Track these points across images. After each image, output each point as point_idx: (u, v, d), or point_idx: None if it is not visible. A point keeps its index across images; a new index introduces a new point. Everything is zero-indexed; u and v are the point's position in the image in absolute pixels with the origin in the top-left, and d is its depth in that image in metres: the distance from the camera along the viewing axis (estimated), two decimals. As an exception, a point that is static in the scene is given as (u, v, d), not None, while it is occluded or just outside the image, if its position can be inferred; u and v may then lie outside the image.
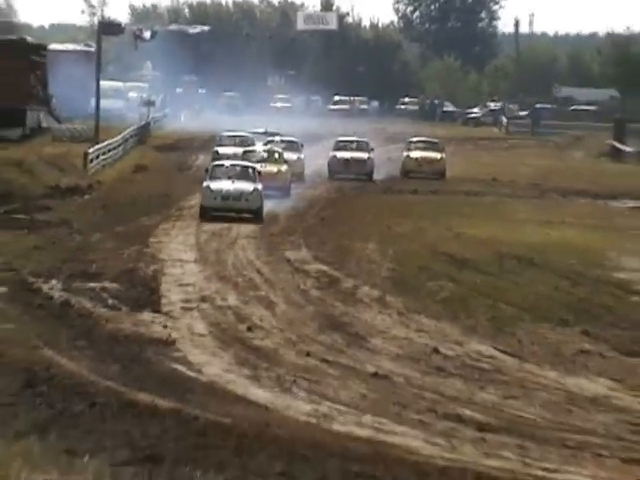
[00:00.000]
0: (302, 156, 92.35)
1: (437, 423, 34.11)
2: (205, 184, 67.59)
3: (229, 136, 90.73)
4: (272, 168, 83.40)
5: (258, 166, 79.51)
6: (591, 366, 42.14)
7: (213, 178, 72.67)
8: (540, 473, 29.52)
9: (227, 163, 77.45)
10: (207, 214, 64.24)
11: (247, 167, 77.10)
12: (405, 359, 41.29)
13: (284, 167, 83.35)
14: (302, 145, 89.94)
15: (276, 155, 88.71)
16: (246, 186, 69.45)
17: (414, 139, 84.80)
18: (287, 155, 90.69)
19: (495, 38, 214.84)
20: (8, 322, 42.48)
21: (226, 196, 68.34)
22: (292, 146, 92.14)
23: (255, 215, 65.42)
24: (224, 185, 67.77)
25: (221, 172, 73.27)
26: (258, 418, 33.50)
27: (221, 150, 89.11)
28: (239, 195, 68.03)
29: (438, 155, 77.58)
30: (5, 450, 25.89)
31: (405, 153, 78.68)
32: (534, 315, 49.13)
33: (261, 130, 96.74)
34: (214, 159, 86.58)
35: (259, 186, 70.28)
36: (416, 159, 75.76)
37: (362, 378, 38.36)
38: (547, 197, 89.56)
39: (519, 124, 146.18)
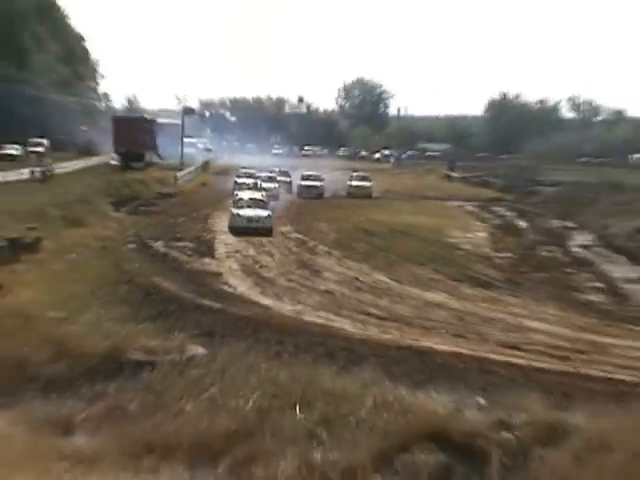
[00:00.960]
0: (291, 178, 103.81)
1: (357, 316, 40.26)
2: (234, 211, 71.15)
3: (243, 172, 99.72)
4: (270, 185, 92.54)
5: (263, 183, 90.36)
6: (437, 287, 48.78)
7: (238, 207, 74.15)
8: (410, 342, 35.21)
9: (245, 197, 78.03)
10: (235, 232, 65.54)
11: (261, 200, 77.40)
12: (341, 283, 48.56)
13: (276, 185, 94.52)
14: (290, 173, 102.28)
15: (273, 178, 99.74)
16: (262, 212, 72.20)
17: (354, 173, 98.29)
18: (282, 178, 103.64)
19: (387, 116, 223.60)
20: (135, 262, 50.52)
21: (250, 219, 70.11)
22: (285, 173, 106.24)
23: (268, 232, 66.56)
24: (247, 212, 70.89)
25: (242, 203, 74.59)
26: (264, 313, 40.16)
27: (239, 180, 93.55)
28: (258, 219, 70.39)
29: (368, 183, 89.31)
30: (135, 328, 33.45)
31: (348, 182, 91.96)
32: (408, 260, 56.73)
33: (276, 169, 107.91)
34: (235, 185, 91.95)
35: (271, 212, 72.38)
36: (355, 186, 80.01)
37: (318, 293, 45.63)
38: (414, 200, 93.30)
39: (401, 161, 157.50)
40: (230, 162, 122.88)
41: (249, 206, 72.95)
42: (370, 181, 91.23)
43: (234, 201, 76.24)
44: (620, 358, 33.42)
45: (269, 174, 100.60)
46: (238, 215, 69.09)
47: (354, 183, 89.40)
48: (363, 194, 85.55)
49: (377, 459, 22.60)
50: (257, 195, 77.20)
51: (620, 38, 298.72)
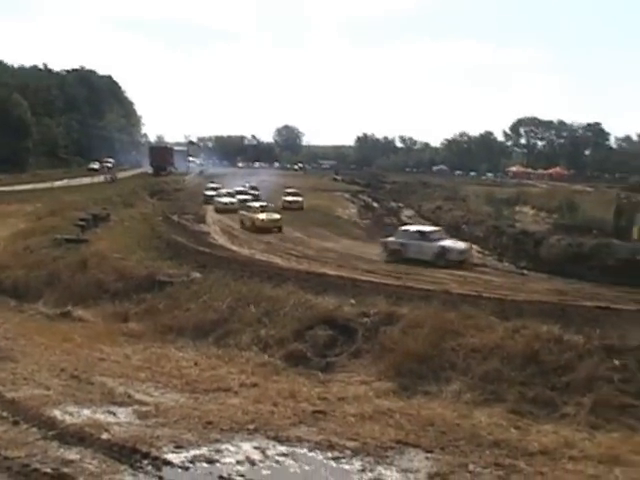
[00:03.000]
0: (259, 192, 78.59)
1: (284, 256, 40.23)
2: (217, 199, 67.24)
3: (211, 186, 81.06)
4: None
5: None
6: (329, 239, 48.30)
7: (219, 196, 69.71)
8: (314, 270, 35.18)
9: (223, 191, 73.20)
10: (218, 211, 61.71)
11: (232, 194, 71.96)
12: (275, 237, 47.79)
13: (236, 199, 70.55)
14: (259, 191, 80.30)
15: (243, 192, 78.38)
16: (233, 199, 66.70)
17: (287, 190, 75.68)
18: (253, 191, 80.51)
19: (301, 145, 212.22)
20: (162, 227, 49.76)
21: (226, 203, 65.19)
22: (255, 187, 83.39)
23: (235, 210, 59.75)
24: (226, 199, 66.54)
25: (220, 195, 69.89)
26: (233, 254, 39.93)
27: (207, 192, 77.09)
28: (232, 203, 64.57)
29: (300, 198, 67.70)
30: (161, 263, 33.49)
31: (283, 197, 70.42)
32: (313, 224, 54.78)
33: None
34: (205, 195, 77.11)
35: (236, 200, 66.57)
36: (289, 201, 67.55)
37: (263, 243, 45.12)
38: (316, 191, 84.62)
39: (307, 171, 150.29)
40: (214, 171, 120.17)
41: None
42: (301, 196, 72.52)
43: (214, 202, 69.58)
44: (427, 277, 33.83)
45: (241, 189, 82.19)
46: (220, 202, 66.12)
47: (288, 198, 70.63)
48: (296, 207, 67.12)
49: (295, 334, 23.50)
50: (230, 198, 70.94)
51: (433, 93, 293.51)
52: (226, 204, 65.96)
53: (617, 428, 17.28)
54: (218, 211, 64.27)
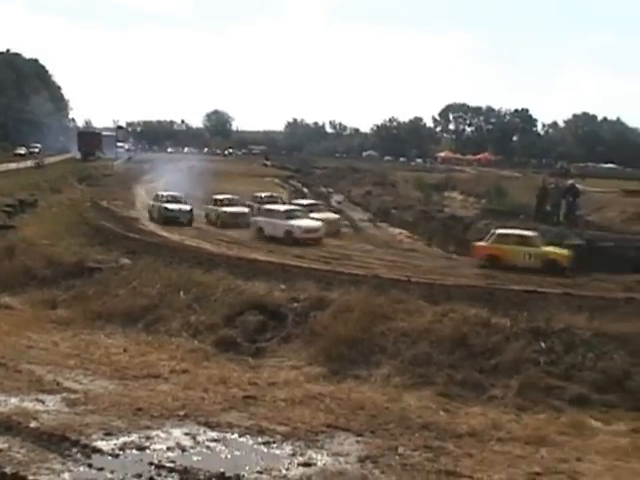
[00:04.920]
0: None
1: (214, 241, 39.33)
2: (163, 206, 47.45)
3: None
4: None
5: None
6: None
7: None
8: (244, 255, 34.40)
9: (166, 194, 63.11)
10: (163, 221, 45.15)
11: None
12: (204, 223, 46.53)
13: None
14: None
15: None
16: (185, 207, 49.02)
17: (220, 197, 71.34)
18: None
19: (231, 130, 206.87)
20: (90, 213, 47.95)
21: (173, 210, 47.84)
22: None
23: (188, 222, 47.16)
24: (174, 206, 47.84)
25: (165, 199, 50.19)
26: (163, 240, 39.09)
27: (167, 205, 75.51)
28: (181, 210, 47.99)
29: (246, 210, 60.89)
30: (90, 249, 33.33)
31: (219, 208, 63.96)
32: None
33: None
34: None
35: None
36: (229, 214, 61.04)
37: (193, 228, 44.28)
38: (245, 177, 77.67)
39: (236, 156, 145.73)
40: (142, 157, 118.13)
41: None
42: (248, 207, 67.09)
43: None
44: (358, 262, 33.69)
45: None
46: (166, 209, 49.32)
47: (228, 210, 57.97)
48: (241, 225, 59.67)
49: (225, 319, 23.63)
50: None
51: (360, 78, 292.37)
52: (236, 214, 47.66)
53: (543, 409, 17.74)
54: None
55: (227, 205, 47.19)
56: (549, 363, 19.31)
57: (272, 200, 48.53)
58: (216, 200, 48.02)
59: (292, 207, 44.23)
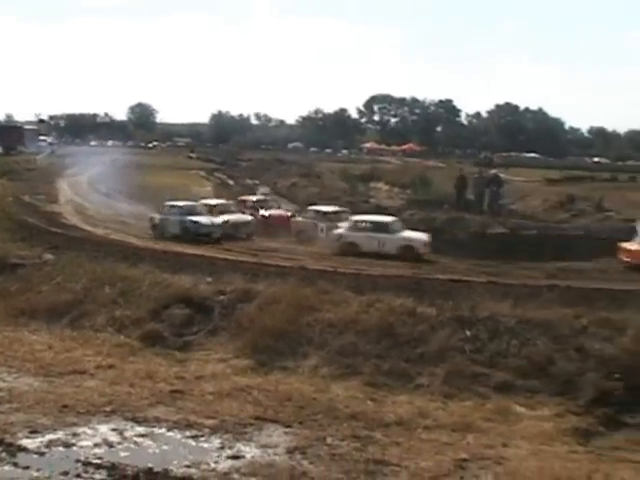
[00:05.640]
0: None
1: (140, 235, 39.02)
2: (190, 219, 38.40)
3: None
4: None
5: None
6: None
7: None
8: (169, 249, 34.05)
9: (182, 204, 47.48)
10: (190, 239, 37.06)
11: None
12: (130, 217, 45.23)
13: None
14: None
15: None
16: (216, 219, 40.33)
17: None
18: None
19: (155, 123, 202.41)
20: (13, 208, 46.15)
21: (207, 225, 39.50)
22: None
23: None
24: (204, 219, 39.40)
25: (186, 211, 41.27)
26: (87, 234, 38.62)
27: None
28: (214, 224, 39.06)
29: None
30: (13, 245, 32.52)
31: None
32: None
33: None
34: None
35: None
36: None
37: (118, 222, 43.18)
38: (170, 170, 78.00)
39: (162, 148, 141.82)
40: (65, 151, 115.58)
41: None
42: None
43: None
44: (284, 254, 33.66)
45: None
46: None
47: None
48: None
49: (151, 313, 23.35)
50: None
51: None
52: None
53: (469, 397, 17.98)
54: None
55: (222, 213, 40.46)
56: (474, 351, 19.57)
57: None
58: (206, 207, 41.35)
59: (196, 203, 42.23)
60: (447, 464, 14.03)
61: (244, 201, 44.42)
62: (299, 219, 40.03)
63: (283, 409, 16.74)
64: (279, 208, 44.54)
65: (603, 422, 16.59)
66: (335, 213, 38.78)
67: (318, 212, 39.09)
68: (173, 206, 39.88)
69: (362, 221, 35.70)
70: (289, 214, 41.75)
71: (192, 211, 39.69)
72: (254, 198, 45.49)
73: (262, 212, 41.27)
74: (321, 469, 13.73)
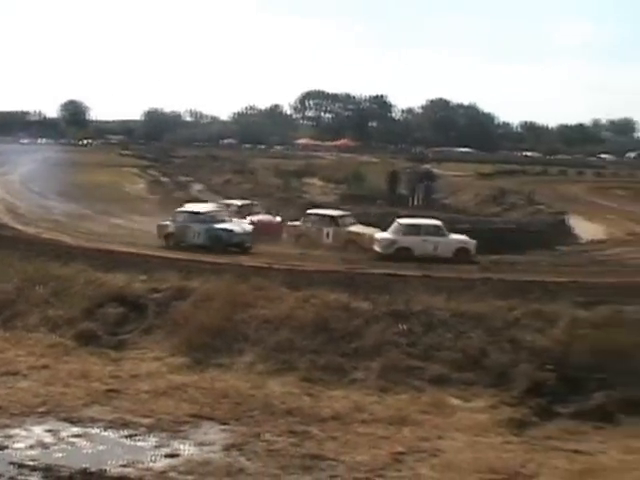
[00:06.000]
0: None
1: (73, 234, 37.99)
2: (219, 227, 35.09)
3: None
4: None
5: None
6: (119, 215, 46.07)
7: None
8: (103, 247, 33.06)
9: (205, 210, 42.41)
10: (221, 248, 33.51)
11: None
12: (63, 215, 44.68)
13: None
14: None
15: None
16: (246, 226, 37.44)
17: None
18: None
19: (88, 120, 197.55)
20: None
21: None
22: None
23: None
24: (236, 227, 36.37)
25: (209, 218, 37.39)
26: (19, 233, 37.76)
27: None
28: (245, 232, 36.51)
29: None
30: None
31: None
32: (102, 201, 50.33)
33: None
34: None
35: None
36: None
37: (50, 221, 42.30)
38: (102, 167, 75.20)
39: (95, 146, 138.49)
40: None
41: None
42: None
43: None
44: (219, 250, 33.54)
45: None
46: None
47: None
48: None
49: (85, 312, 22.99)
50: None
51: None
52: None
53: (405, 390, 18.10)
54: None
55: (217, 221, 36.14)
56: (409, 344, 19.75)
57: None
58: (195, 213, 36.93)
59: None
60: (383, 457, 14.15)
61: (227, 205, 40.80)
62: (297, 224, 37.12)
63: (219, 406, 16.72)
64: (268, 213, 41.35)
65: (536, 412, 16.86)
66: (341, 217, 37.13)
67: (324, 216, 37.16)
68: (194, 212, 36.24)
69: (414, 225, 34.68)
70: (279, 220, 39.60)
71: (216, 217, 36.22)
72: (239, 202, 41.69)
73: (250, 218, 38.37)
74: (258, 465, 13.76)
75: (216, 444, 14.70)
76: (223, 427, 15.60)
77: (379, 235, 34.36)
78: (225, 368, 19.43)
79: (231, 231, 35.01)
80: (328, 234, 35.85)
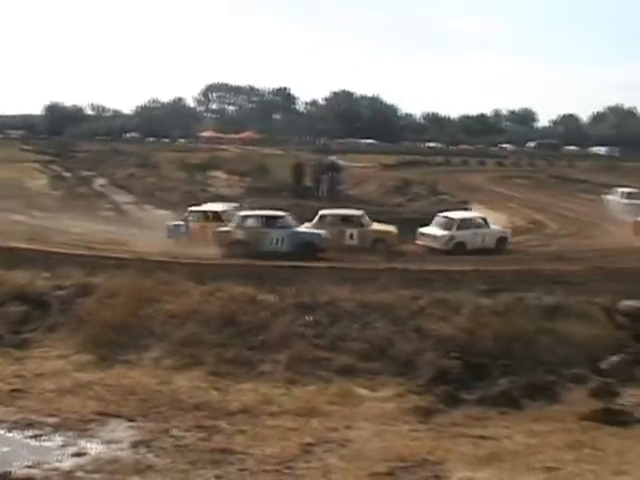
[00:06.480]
0: None
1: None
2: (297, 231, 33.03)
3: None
4: None
5: None
6: (20, 212, 44.74)
7: None
8: (4, 244, 31.55)
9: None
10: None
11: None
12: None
13: None
14: None
15: None
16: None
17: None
18: None
19: None
20: None
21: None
22: None
23: None
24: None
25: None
26: None
27: None
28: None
29: None
30: None
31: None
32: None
33: None
34: None
35: None
36: None
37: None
38: (2, 163, 71.88)
39: None
40: None
41: None
42: None
43: None
44: (123, 245, 33.05)
45: None
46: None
47: None
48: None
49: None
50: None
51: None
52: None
53: (313, 381, 18.17)
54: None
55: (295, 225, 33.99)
56: (316, 336, 19.83)
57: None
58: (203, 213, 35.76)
59: None
60: (292, 449, 14.19)
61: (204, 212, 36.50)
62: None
63: (126, 403, 16.57)
64: None
65: (442, 400, 17.07)
66: (362, 216, 35.47)
67: (345, 217, 35.40)
68: (270, 217, 33.67)
69: (465, 219, 35.48)
70: None
71: (292, 221, 33.97)
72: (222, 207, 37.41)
73: None
74: (167, 461, 13.69)
75: (124, 441, 14.55)
76: (130, 424, 15.44)
77: (438, 232, 34.30)
78: (131, 364, 19.18)
79: (319, 235, 33.19)
80: (352, 235, 34.28)
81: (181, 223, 35.16)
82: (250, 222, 33.36)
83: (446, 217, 35.32)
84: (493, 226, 35.83)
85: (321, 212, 35.49)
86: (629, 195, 50.27)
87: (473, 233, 34.70)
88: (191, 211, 35.69)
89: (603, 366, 18.66)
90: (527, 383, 17.66)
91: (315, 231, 33.55)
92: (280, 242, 32.67)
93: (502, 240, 35.08)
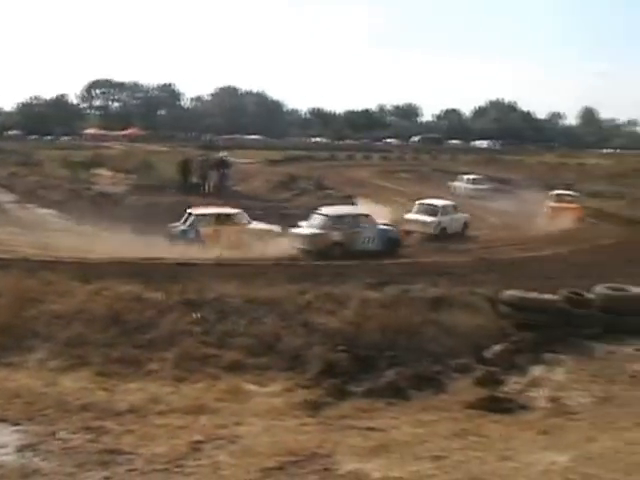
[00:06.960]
0: None
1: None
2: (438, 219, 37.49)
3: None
4: None
5: None
6: None
7: None
8: None
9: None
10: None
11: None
12: None
13: None
14: None
15: None
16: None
17: None
18: None
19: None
20: None
21: None
22: None
23: None
24: None
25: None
26: None
27: None
28: None
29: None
30: None
31: None
32: None
33: None
34: None
35: None
36: None
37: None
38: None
39: None
40: None
41: None
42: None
43: None
44: (5, 246, 32.33)
45: None
46: None
47: None
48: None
49: None
50: None
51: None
52: None
53: (201, 378, 18.04)
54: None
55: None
56: (203, 333, 19.78)
57: None
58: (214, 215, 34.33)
59: None
60: (182, 447, 13.95)
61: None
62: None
63: (11, 407, 15.97)
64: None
65: (331, 393, 17.16)
66: (237, 215, 34.67)
67: (218, 217, 34.29)
68: (363, 215, 33.80)
69: (448, 205, 39.61)
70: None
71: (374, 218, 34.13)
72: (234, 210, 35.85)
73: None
74: (54, 465, 13.27)
75: (9, 446, 14.01)
76: (16, 428, 14.88)
77: (428, 219, 37.58)
78: (15, 367, 18.56)
79: (397, 231, 34.17)
80: (229, 236, 32.98)
81: (186, 228, 33.55)
82: (342, 222, 32.67)
83: (430, 204, 38.75)
84: (460, 214, 40.02)
85: (190, 210, 34.39)
86: (474, 181, 57.98)
87: (450, 219, 38.74)
88: (196, 215, 34.08)
89: (487, 355, 19.18)
90: (413, 374, 17.87)
91: (394, 227, 34.49)
92: (371, 241, 32.75)
93: (466, 225, 40.00)
